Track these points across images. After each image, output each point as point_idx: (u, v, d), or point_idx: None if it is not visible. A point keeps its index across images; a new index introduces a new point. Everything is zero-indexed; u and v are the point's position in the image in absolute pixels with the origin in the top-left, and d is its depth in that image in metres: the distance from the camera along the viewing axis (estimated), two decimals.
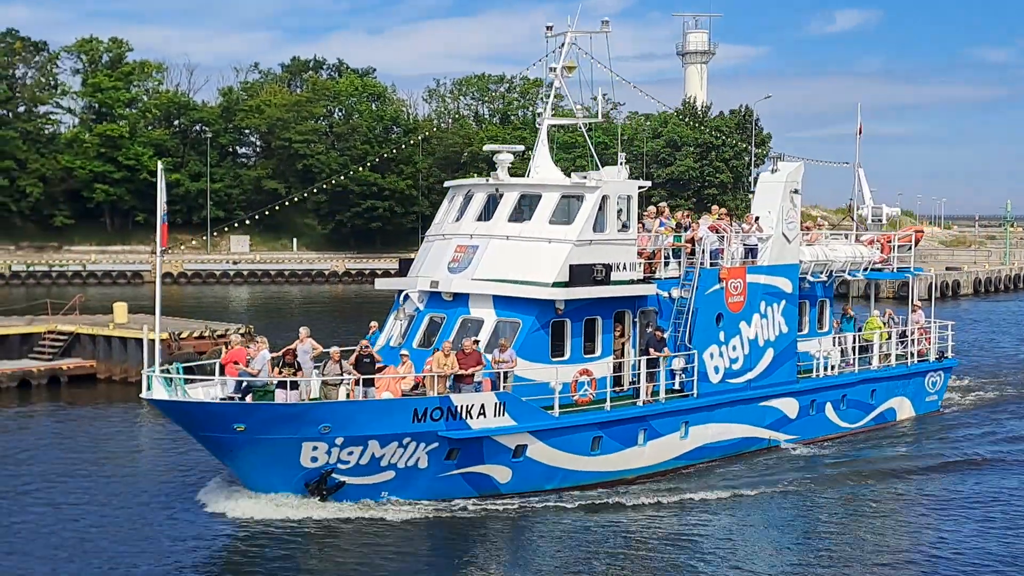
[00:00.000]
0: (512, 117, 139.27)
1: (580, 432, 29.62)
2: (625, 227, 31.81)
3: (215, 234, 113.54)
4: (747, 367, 34.34)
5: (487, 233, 31.19)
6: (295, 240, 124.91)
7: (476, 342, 28.66)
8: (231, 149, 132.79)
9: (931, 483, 32.28)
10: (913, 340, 40.99)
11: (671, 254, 33.36)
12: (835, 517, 28.90)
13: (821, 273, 37.74)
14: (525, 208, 31.33)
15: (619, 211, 31.66)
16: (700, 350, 32.77)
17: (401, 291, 32.24)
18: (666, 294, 32.68)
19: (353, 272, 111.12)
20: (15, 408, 41.70)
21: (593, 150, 32.82)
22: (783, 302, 35.51)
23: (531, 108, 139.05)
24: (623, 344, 32.11)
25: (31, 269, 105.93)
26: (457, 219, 32.32)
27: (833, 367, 37.68)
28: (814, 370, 37.02)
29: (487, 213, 31.75)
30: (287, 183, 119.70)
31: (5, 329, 48.86)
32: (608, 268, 30.46)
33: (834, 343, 39.19)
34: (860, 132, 46.21)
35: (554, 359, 30.00)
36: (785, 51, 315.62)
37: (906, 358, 40.70)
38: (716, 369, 33.36)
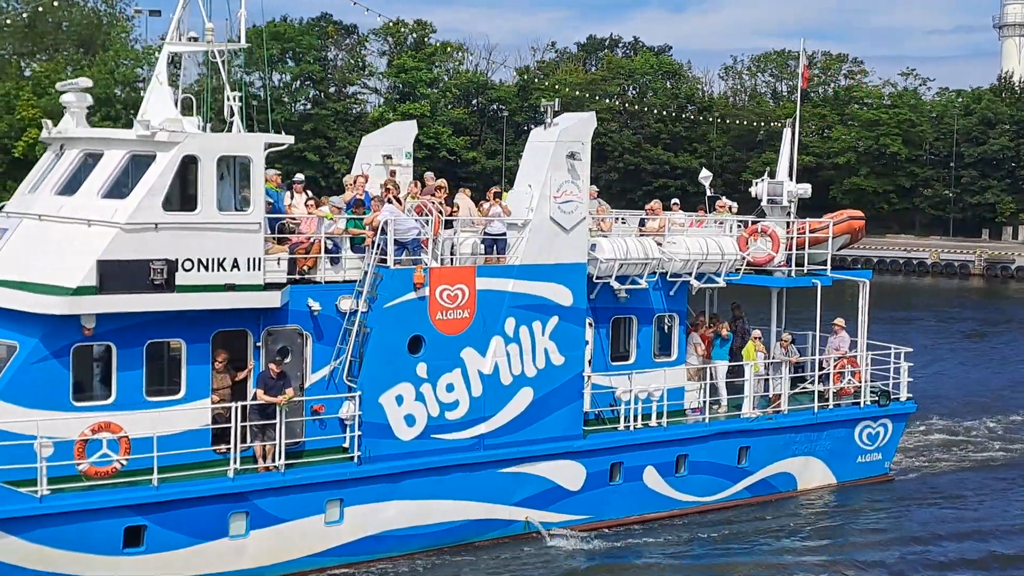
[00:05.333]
0: (812, 94, 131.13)
1: (97, 520, 19.10)
2: (243, 204, 21.00)
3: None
4: (477, 416, 23.00)
5: (24, 211, 21.05)
6: None
7: None
8: (526, 127, 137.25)
9: None
10: (827, 375, 28.51)
11: (348, 247, 22.46)
12: None
13: (641, 277, 25.73)
14: (87, 173, 20.99)
15: (228, 180, 20.92)
16: (373, 392, 21.71)
17: None
18: (317, 306, 21.68)
19: None
20: None
21: (232, 98, 21.71)
22: (554, 319, 23.90)
23: (833, 84, 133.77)
24: (240, 381, 21.40)
25: None
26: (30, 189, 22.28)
27: (665, 414, 25.81)
28: (620, 419, 25.28)
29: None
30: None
31: None
32: (172, 266, 19.76)
33: (692, 378, 27.36)
34: (804, 77, 33.56)
35: (80, 403, 19.61)
36: None
37: (813, 400, 28.23)
38: (409, 420, 22.19)
